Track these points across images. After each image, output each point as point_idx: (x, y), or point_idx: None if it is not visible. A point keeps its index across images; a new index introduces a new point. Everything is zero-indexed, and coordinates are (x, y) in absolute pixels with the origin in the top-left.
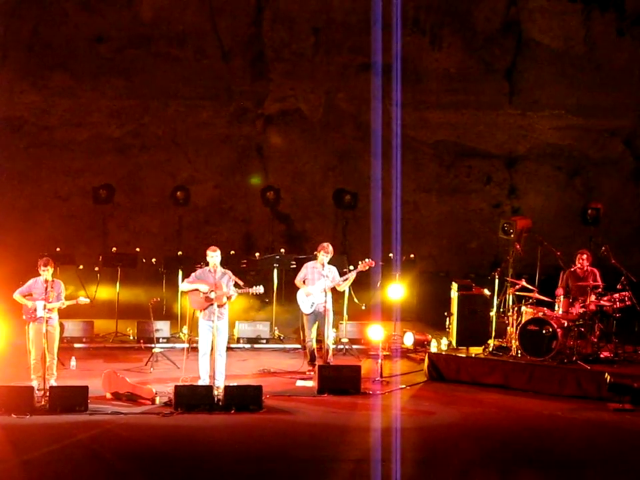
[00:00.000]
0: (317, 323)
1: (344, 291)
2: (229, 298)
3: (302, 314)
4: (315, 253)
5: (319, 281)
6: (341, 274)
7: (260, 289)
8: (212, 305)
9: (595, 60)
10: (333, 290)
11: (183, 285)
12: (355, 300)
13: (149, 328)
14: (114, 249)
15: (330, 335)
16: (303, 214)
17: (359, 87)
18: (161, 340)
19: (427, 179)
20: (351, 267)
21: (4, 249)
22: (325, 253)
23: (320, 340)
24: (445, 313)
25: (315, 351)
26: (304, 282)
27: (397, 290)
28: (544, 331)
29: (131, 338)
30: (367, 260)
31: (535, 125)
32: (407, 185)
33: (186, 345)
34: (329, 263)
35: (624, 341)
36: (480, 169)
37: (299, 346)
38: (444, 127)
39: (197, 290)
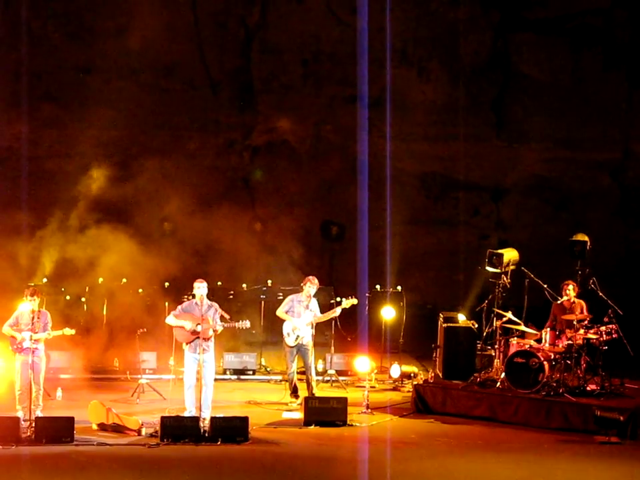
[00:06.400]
0: (297, 355)
1: (331, 322)
2: (215, 331)
3: (285, 345)
4: (302, 285)
5: (304, 314)
6: (328, 307)
7: (246, 324)
8: (198, 338)
9: (582, 93)
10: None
11: (169, 319)
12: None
13: (136, 359)
14: (100, 279)
15: (313, 369)
16: (290, 245)
17: (346, 118)
18: (147, 371)
19: (414, 211)
20: (338, 299)
21: None
22: (311, 284)
23: (304, 372)
24: (432, 345)
25: (297, 383)
26: (287, 313)
27: (389, 311)
28: (531, 364)
29: (117, 369)
30: (350, 298)
31: (522, 157)
32: (394, 216)
33: (172, 376)
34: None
35: (610, 373)
36: (467, 201)
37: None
38: (431, 158)
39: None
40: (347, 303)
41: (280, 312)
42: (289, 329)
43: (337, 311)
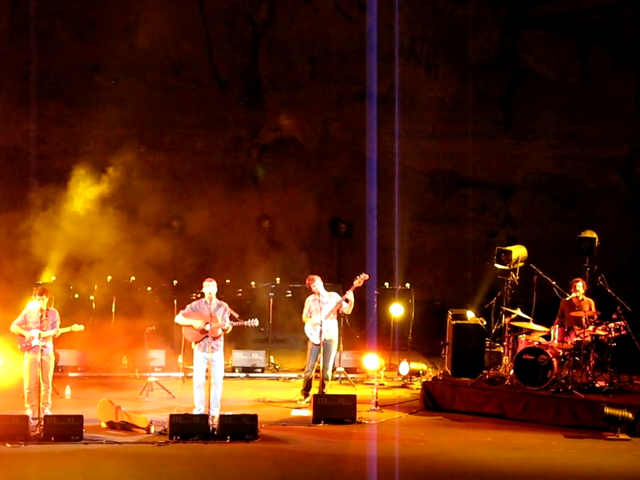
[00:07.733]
0: (319, 354)
1: (340, 320)
2: (224, 330)
3: (309, 344)
4: (309, 288)
5: (322, 310)
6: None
7: (255, 322)
8: (207, 337)
9: (590, 90)
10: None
11: (178, 318)
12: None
13: (144, 357)
14: (109, 277)
15: (329, 366)
16: (299, 243)
17: (354, 116)
18: (156, 369)
19: (423, 208)
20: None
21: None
22: (312, 282)
23: (318, 370)
24: (441, 343)
25: (312, 381)
26: (310, 316)
27: (397, 308)
28: (539, 361)
29: (126, 367)
30: (361, 275)
31: (530, 154)
32: (402, 214)
33: (181, 374)
34: (328, 290)
35: (619, 370)
36: (475, 198)
37: (294, 375)
38: (439, 156)
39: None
40: (359, 280)
41: (304, 317)
42: (310, 329)
43: (350, 293)
